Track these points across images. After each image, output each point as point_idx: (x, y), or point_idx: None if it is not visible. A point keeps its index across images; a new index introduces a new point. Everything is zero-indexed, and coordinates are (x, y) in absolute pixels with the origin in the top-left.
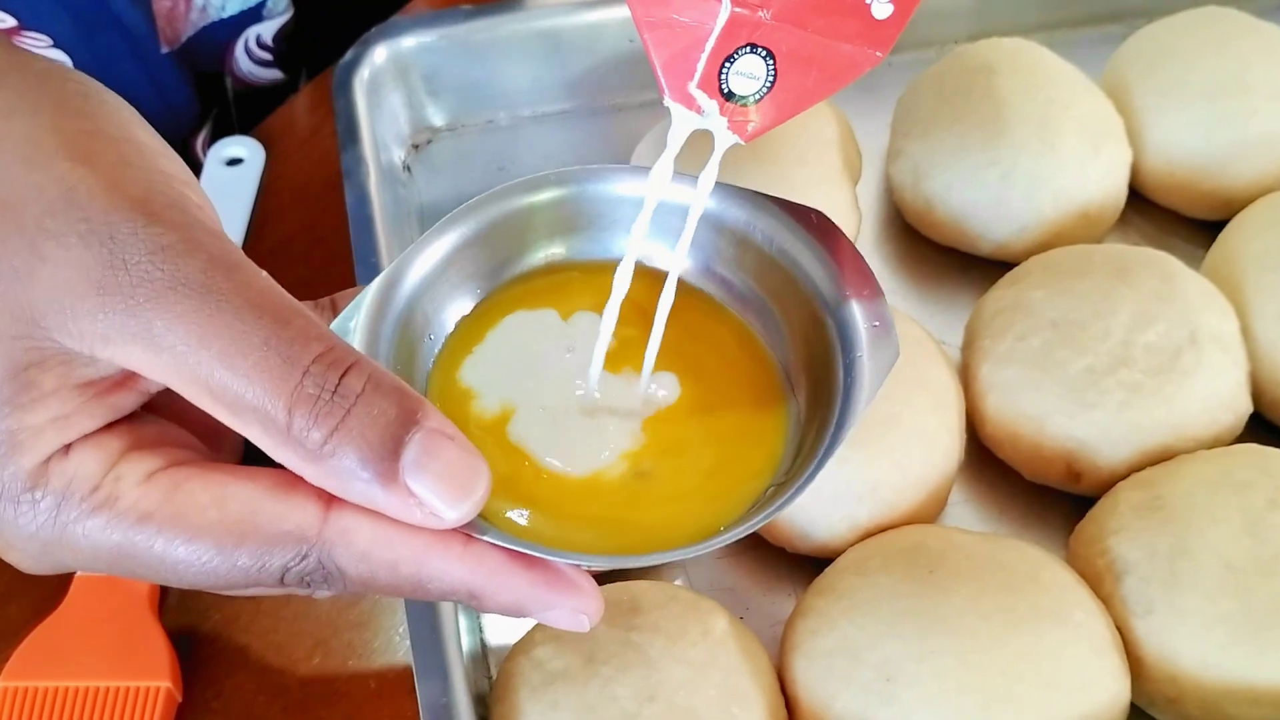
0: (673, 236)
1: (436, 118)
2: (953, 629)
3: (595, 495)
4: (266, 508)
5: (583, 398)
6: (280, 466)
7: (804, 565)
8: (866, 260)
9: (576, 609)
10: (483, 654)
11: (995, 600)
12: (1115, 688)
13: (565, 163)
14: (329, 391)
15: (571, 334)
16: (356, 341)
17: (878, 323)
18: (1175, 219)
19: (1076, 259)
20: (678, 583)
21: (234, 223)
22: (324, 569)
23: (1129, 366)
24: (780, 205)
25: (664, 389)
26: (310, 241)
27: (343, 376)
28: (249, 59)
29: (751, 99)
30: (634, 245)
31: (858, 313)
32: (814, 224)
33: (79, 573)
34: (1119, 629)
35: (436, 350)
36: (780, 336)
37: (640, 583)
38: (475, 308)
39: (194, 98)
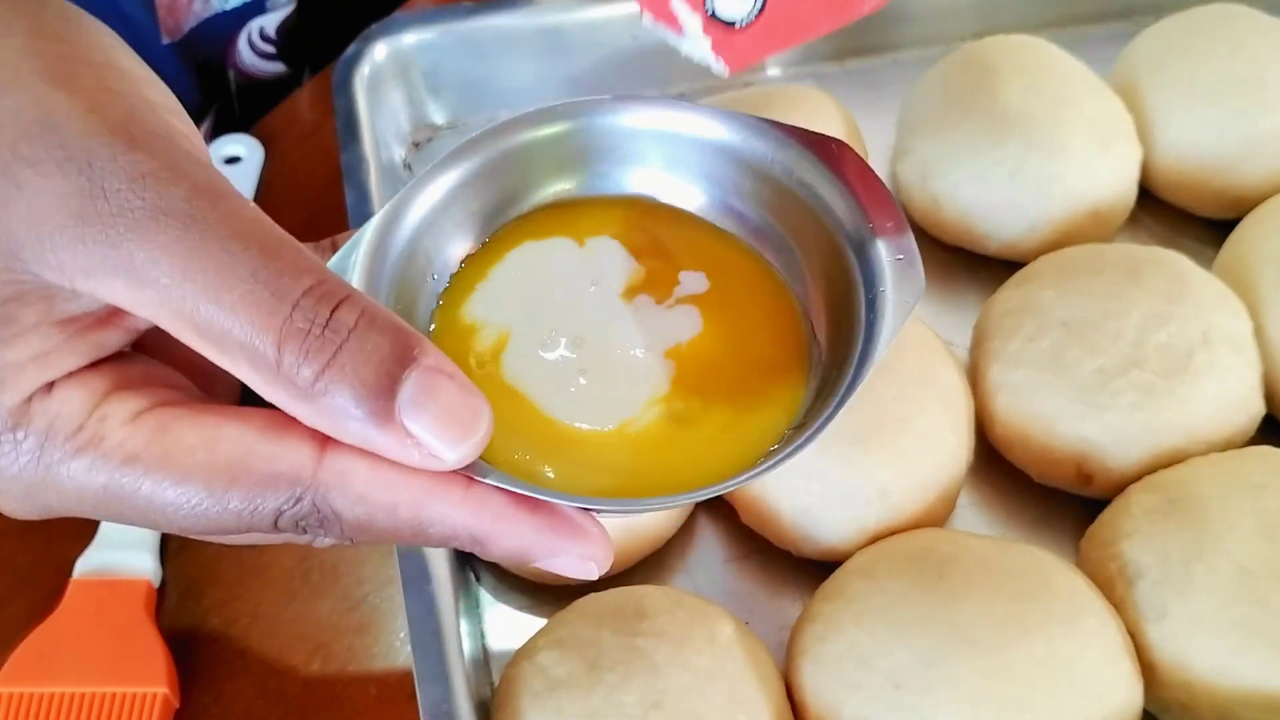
0: (686, 169)
1: (437, 115)
2: (964, 635)
3: (609, 438)
4: (258, 449)
5: (601, 330)
6: (274, 407)
7: (810, 570)
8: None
9: (584, 555)
10: (485, 660)
11: (1006, 606)
12: (1128, 694)
13: None
14: (320, 326)
15: (588, 259)
16: (355, 279)
17: (901, 256)
18: (1186, 218)
19: (1087, 258)
20: (683, 587)
21: None
22: (319, 512)
23: (1141, 367)
24: (800, 136)
25: (687, 322)
26: (309, 240)
27: (334, 310)
28: (252, 51)
29: (740, 21)
30: None
31: (881, 247)
32: (835, 154)
33: (67, 514)
34: (1131, 634)
35: (441, 289)
36: (800, 273)
37: (645, 587)
38: (482, 245)
39: (195, 90)
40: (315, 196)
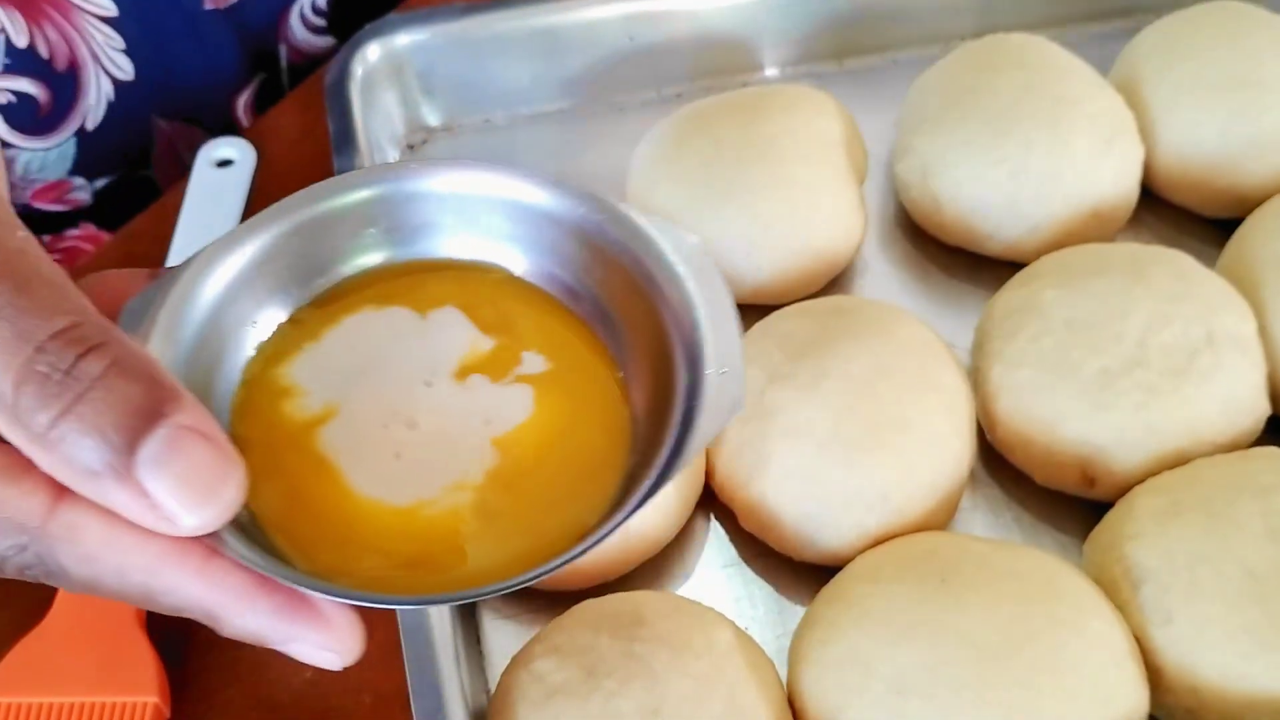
0: (523, 238)
1: (431, 117)
2: (967, 639)
3: (405, 520)
4: None
5: (424, 407)
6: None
7: (811, 574)
8: (738, 311)
9: (323, 644)
10: (480, 667)
11: (1011, 609)
12: (1134, 699)
13: (564, 162)
14: (60, 372)
15: (428, 331)
16: (157, 322)
17: (725, 369)
18: (1188, 217)
19: (1090, 258)
20: (682, 594)
21: (224, 226)
22: (44, 564)
23: (1145, 368)
24: (652, 224)
25: (520, 404)
26: None
27: (82, 356)
28: (304, 26)
29: None
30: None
31: (709, 351)
32: (687, 254)
33: None
34: (1137, 638)
35: (262, 340)
36: (622, 348)
37: (643, 593)
38: (315, 303)
39: (239, 58)
40: None
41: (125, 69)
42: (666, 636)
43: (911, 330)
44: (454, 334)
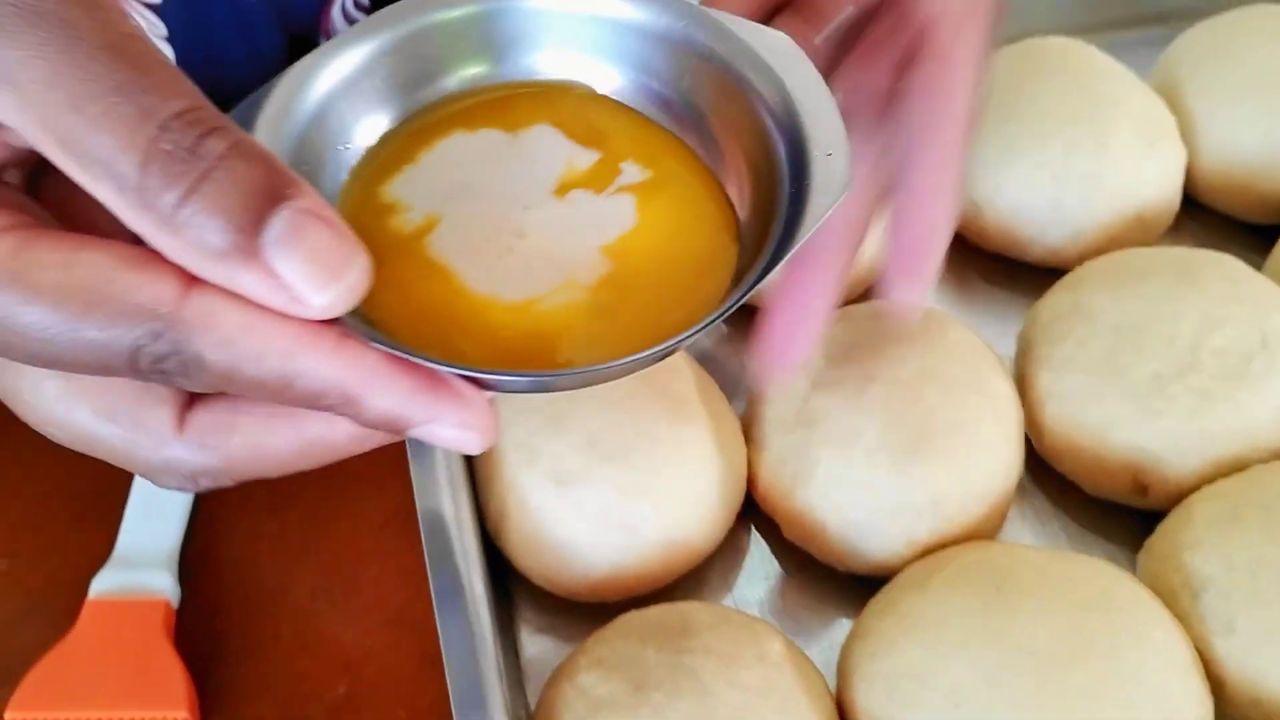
0: (606, 52)
1: None
2: (1025, 650)
3: (523, 313)
4: (119, 277)
5: (530, 220)
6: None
7: (857, 586)
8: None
9: (463, 422)
10: (519, 682)
11: (1069, 619)
12: (1198, 711)
13: None
14: (184, 150)
15: (523, 150)
16: (256, 132)
17: (831, 151)
18: (1230, 223)
19: (1137, 262)
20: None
21: None
22: (179, 354)
23: (1198, 372)
24: (736, 25)
25: (624, 214)
26: None
27: (204, 136)
28: (346, 21)
29: None
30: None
31: (812, 135)
32: (774, 48)
33: None
34: (1197, 648)
35: (353, 162)
36: (722, 155)
37: (689, 603)
38: (403, 123)
39: (282, 46)
40: None
41: (168, 57)
42: (715, 647)
43: (957, 335)
44: (550, 150)
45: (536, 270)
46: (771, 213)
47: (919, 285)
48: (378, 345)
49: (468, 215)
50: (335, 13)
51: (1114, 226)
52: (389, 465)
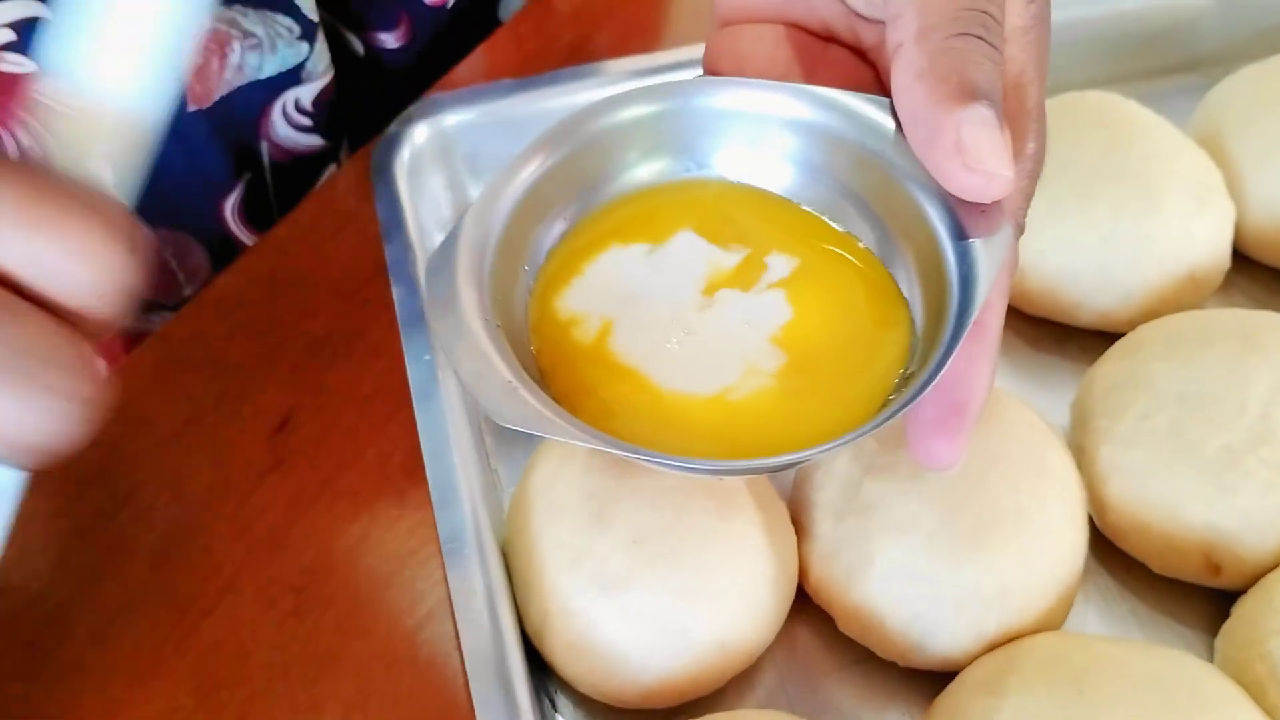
0: (768, 147)
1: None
2: None
3: (714, 405)
4: None
5: (693, 319)
6: None
7: (917, 682)
8: None
9: None
10: None
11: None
12: None
13: None
14: None
15: (671, 258)
16: (459, 273)
17: (983, 210)
18: (1277, 278)
19: (1195, 325)
20: (779, 707)
21: None
22: None
23: (1271, 444)
24: (862, 100)
25: (780, 307)
26: (350, 336)
27: None
28: (287, 124)
29: None
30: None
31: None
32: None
33: None
34: None
35: (532, 281)
36: (885, 238)
37: (745, 710)
38: (566, 237)
39: (225, 161)
40: (356, 289)
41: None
42: None
43: (1016, 412)
44: (694, 254)
45: (717, 365)
46: (941, 288)
47: (958, 445)
48: (599, 447)
49: (638, 321)
50: (275, 116)
51: (1165, 288)
52: (420, 568)
